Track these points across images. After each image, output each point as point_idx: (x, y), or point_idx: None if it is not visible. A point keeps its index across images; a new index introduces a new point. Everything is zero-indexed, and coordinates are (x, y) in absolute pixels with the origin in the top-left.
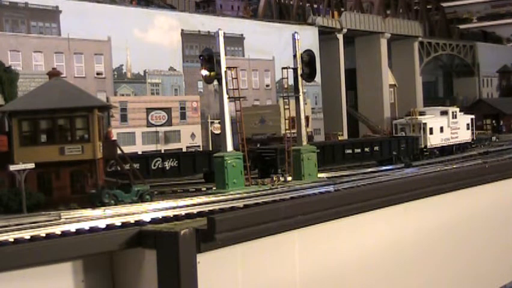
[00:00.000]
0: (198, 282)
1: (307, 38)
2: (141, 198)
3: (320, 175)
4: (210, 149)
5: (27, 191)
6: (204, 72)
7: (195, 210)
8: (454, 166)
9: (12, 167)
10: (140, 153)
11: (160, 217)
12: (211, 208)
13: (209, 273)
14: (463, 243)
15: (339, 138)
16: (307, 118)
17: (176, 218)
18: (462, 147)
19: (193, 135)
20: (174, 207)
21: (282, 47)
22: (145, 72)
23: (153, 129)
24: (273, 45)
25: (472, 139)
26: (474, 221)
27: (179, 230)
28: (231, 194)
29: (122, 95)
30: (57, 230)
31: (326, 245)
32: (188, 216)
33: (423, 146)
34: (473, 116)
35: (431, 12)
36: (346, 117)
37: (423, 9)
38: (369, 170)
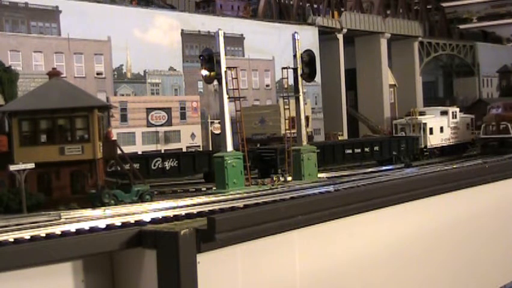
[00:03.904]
0: (198, 282)
1: (307, 38)
2: (141, 198)
3: (320, 175)
4: (210, 149)
5: (27, 191)
6: (204, 72)
7: (195, 210)
8: (454, 166)
9: (12, 167)
10: (140, 153)
11: (160, 217)
12: (211, 208)
13: (209, 273)
14: (463, 243)
15: (339, 138)
16: (307, 118)
17: (176, 218)
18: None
19: (193, 135)
20: (174, 207)
21: (282, 47)
22: (145, 72)
23: (153, 129)
24: (273, 45)
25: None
26: (474, 221)
27: (180, 230)
28: (231, 194)
29: (122, 95)
30: (57, 230)
31: (326, 245)
32: (188, 216)
33: (423, 146)
34: (473, 116)
35: (431, 12)
36: (346, 117)
37: (423, 9)
38: (369, 170)
